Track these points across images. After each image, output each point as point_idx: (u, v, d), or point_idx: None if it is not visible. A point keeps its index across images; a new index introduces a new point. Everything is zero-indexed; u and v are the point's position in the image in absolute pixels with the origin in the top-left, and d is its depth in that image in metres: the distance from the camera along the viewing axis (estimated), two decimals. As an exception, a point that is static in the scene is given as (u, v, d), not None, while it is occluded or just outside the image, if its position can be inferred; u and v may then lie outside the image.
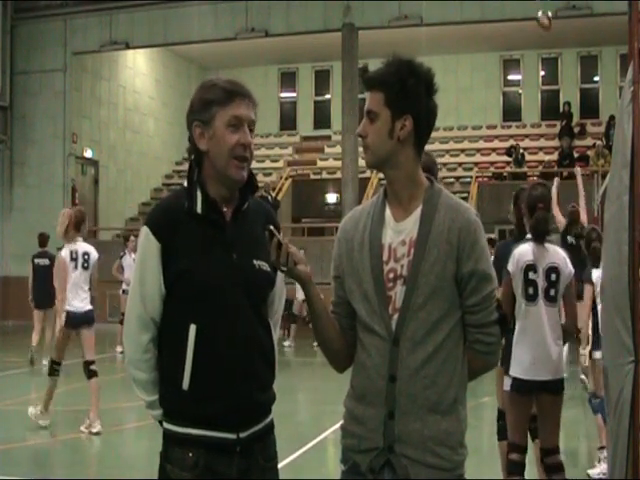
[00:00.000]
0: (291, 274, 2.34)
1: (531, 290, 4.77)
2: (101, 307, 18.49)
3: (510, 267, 4.81)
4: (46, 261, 12.20)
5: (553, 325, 4.78)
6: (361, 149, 2.42)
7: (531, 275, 4.77)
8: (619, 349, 3.56)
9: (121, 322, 14.15)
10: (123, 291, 14.40)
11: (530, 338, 4.76)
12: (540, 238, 4.82)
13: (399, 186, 2.38)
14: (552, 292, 4.77)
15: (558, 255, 4.84)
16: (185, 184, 2.52)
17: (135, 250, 16.06)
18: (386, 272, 2.34)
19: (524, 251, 4.81)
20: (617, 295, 3.57)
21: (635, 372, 3.50)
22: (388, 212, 2.40)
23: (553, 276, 4.77)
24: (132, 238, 15.03)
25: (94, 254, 8.06)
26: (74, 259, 7.94)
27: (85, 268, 7.95)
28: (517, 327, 4.84)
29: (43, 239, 12.89)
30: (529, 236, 4.88)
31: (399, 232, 2.36)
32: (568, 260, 4.87)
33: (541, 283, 4.77)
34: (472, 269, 2.30)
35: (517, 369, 4.81)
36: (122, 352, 13.99)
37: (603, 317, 3.81)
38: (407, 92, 2.33)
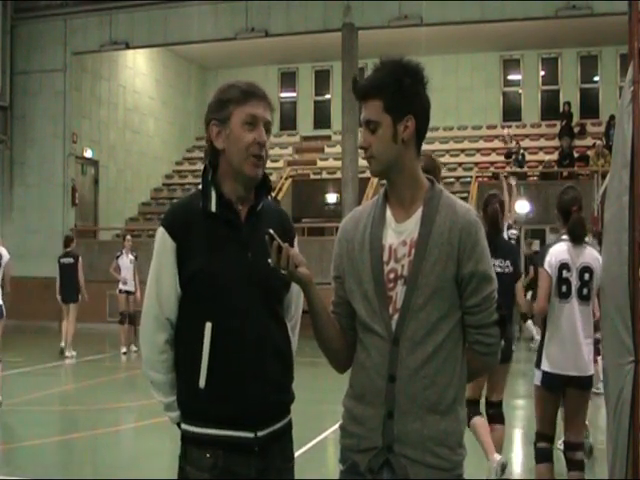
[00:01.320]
0: (292, 277, 2.34)
1: (564, 288, 4.93)
2: (101, 307, 18.59)
3: (546, 265, 4.96)
4: (70, 260, 13.73)
5: (585, 323, 4.94)
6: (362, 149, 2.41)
7: (565, 274, 4.93)
8: (619, 349, 3.56)
9: (120, 322, 14.16)
10: (119, 290, 14.35)
11: (563, 334, 4.90)
12: (578, 240, 4.99)
13: (402, 188, 2.38)
14: (585, 291, 4.93)
15: (592, 255, 4.99)
16: (200, 186, 2.54)
17: (132, 250, 16.00)
18: (386, 272, 2.34)
19: (559, 250, 4.98)
20: (617, 295, 3.58)
21: (635, 372, 3.50)
22: (389, 213, 2.40)
23: (586, 276, 4.93)
24: (128, 237, 15.02)
25: (6, 256, 9.26)
26: None
27: None
28: (549, 323, 4.98)
29: (67, 240, 14.18)
30: (565, 237, 5.03)
31: (400, 233, 2.36)
32: (601, 260, 4.98)
33: (575, 282, 4.92)
34: (472, 270, 2.31)
35: (548, 363, 4.94)
36: (125, 353, 14.00)
37: (603, 317, 3.81)
38: (405, 93, 2.32)
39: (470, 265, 2.30)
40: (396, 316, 2.31)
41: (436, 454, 2.28)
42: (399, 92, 2.31)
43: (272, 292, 2.52)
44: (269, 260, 2.46)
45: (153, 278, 2.50)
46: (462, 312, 2.34)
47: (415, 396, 2.28)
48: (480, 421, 5.51)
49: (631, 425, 3.51)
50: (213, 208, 2.47)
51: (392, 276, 2.33)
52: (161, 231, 2.49)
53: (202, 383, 2.41)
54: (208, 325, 2.41)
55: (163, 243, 2.47)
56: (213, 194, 2.48)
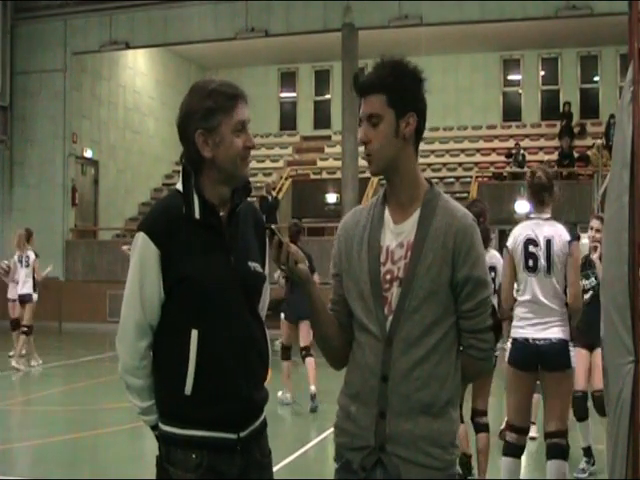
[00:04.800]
0: (292, 273, 2.34)
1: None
2: (102, 307, 18.57)
3: None
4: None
5: None
6: (361, 149, 2.43)
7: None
8: (619, 349, 3.56)
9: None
10: None
11: None
12: (485, 246, 5.52)
13: (401, 188, 2.40)
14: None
15: (496, 257, 5.76)
16: (178, 186, 2.52)
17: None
18: (383, 273, 2.35)
19: None
20: (617, 295, 3.57)
21: (635, 372, 3.50)
22: (387, 214, 2.41)
23: (492, 273, 5.50)
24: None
25: (32, 256, 12.41)
26: (20, 261, 12.40)
27: (27, 266, 12.34)
28: None
29: None
30: None
31: (397, 234, 2.38)
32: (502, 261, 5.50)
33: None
34: (467, 275, 2.31)
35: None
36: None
37: (603, 317, 3.81)
38: (408, 90, 2.35)
39: (465, 269, 2.31)
40: (391, 317, 2.33)
41: (428, 454, 2.30)
42: (403, 88, 2.34)
43: (253, 293, 2.55)
44: (249, 263, 2.51)
45: (135, 283, 2.46)
46: (457, 316, 2.35)
47: (407, 397, 2.30)
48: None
49: (631, 425, 3.51)
50: (197, 214, 2.45)
51: (388, 277, 2.35)
52: (143, 236, 2.44)
53: (188, 390, 2.40)
54: (194, 333, 2.40)
55: (146, 249, 2.43)
56: (196, 199, 2.46)
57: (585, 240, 6.94)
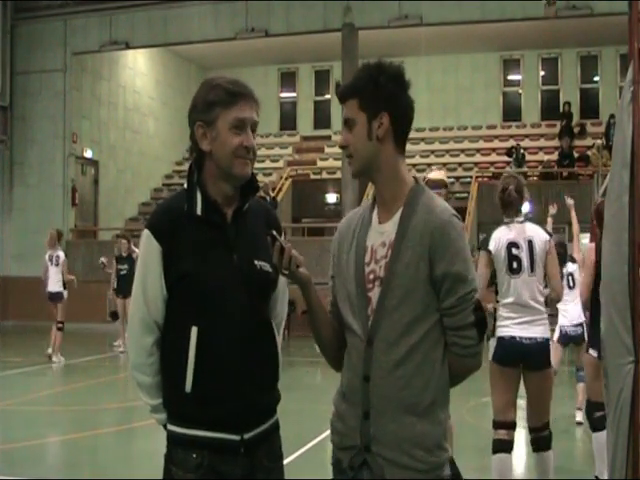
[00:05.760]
0: (293, 277, 2.35)
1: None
2: (102, 307, 18.57)
3: None
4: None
5: None
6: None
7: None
8: (619, 349, 3.56)
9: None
10: None
11: None
12: None
13: (383, 187, 2.40)
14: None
15: None
16: (185, 185, 2.52)
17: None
18: (367, 273, 2.36)
19: None
20: (617, 295, 3.57)
21: (635, 372, 3.50)
22: (375, 214, 2.43)
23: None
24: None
25: (62, 256, 13.06)
26: (50, 260, 12.99)
27: (57, 265, 12.93)
28: None
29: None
30: None
31: (381, 234, 2.39)
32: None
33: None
34: (445, 271, 2.28)
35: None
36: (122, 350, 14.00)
37: (603, 317, 3.80)
38: (379, 91, 2.35)
39: (442, 266, 2.28)
40: (373, 317, 2.33)
41: (412, 455, 2.29)
42: (373, 90, 2.35)
43: (258, 293, 2.51)
44: (255, 261, 2.49)
45: (139, 280, 2.48)
46: (439, 314, 2.34)
47: (389, 397, 2.29)
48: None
49: (631, 425, 3.51)
50: (198, 211, 2.45)
51: (371, 277, 2.36)
52: (146, 234, 2.46)
53: (188, 388, 2.40)
54: (194, 330, 2.40)
55: (149, 246, 2.45)
56: (198, 196, 2.46)
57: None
